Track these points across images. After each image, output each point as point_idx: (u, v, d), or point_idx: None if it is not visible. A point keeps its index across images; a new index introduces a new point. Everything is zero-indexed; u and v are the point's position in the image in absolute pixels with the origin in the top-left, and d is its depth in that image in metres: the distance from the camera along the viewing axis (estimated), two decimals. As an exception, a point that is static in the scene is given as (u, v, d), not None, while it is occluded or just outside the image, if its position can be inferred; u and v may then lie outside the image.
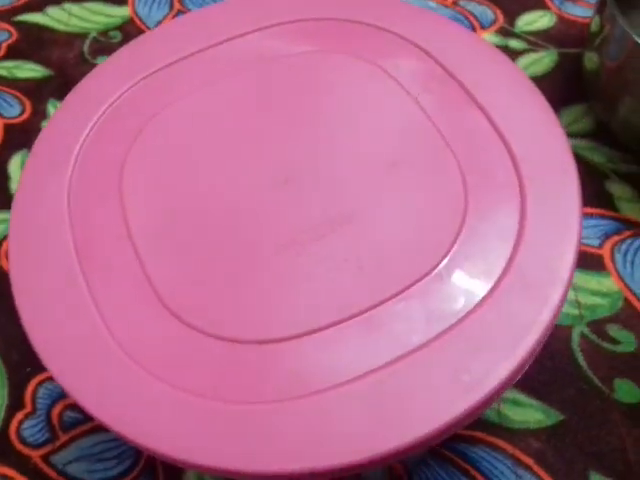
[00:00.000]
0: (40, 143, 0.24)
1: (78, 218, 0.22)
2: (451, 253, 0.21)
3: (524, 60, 0.40)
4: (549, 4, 0.43)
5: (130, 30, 0.44)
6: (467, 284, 0.20)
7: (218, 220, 0.22)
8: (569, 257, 0.20)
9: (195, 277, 0.21)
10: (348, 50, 0.25)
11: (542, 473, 0.26)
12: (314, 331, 0.19)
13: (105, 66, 0.26)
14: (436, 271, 0.20)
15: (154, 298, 0.20)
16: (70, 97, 0.26)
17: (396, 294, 0.20)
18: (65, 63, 0.43)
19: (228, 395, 0.19)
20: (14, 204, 0.23)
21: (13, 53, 0.43)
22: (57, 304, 0.21)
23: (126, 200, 0.22)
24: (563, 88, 0.38)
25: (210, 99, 0.25)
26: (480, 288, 0.20)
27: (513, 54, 0.40)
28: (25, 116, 0.40)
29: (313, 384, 0.18)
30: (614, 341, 0.28)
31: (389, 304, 0.20)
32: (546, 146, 0.22)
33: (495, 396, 0.18)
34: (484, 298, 0.20)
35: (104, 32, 0.44)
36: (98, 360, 0.20)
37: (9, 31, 0.44)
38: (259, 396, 0.18)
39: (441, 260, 0.20)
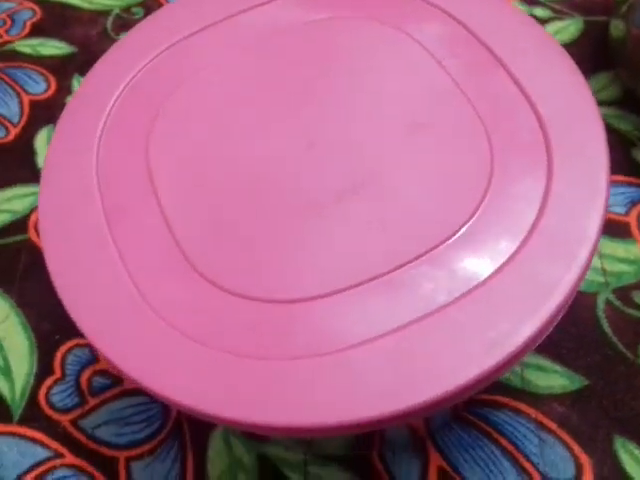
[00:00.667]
0: (66, 115, 0.25)
1: (107, 186, 0.23)
2: (476, 215, 0.21)
3: (550, 28, 0.39)
4: (574, -28, 0.42)
5: (152, 6, 0.44)
6: (492, 245, 0.20)
7: (244, 183, 0.22)
8: (596, 218, 0.20)
9: (222, 240, 0.21)
10: (371, 15, 0.25)
11: (566, 437, 0.26)
12: (340, 290, 0.20)
13: (127, 39, 0.27)
14: (461, 233, 0.20)
15: (183, 261, 0.21)
16: (94, 70, 0.26)
17: (421, 255, 0.20)
18: (89, 40, 0.43)
19: (258, 352, 0.19)
20: (43, 175, 0.23)
21: (37, 31, 0.44)
22: (89, 269, 0.21)
23: (153, 167, 0.23)
24: (589, 56, 0.38)
25: (233, 67, 0.25)
26: (506, 248, 0.20)
27: (539, 22, 0.39)
28: (50, 92, 0.40)
29: (341, 341, 0.19)
30: (639, 308, 0.28)
31: (414, 265, 0.20)
32: (574, 109, 0.22)
33: (521, 353, 0.18)
34: (510, 258, 0.20)
35: (126, 9, 0.44)
36: (129, 321, 0.20)
37: (33, 9, 0.45)
38: (288, 353, 0.19)
39: (466, 222, 0.20)
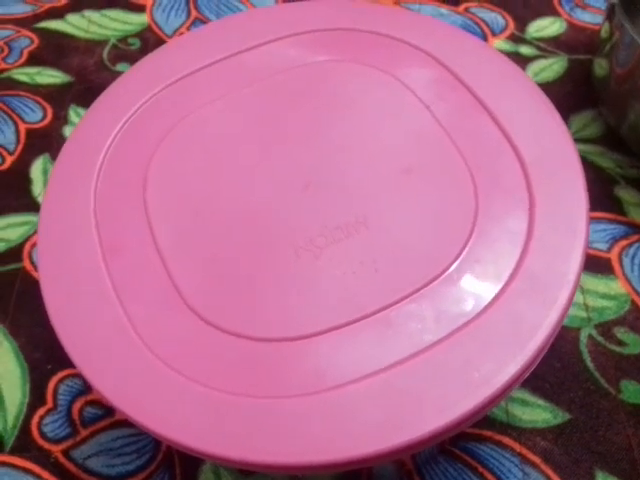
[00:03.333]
0: (67, 149, 0.25)
1: (104, 221, 0.23)
2: (462, 256, 0.21)
3: (534, 66, 0.40)
4: (560, 10, 0.43)
5: (148, 37, 0.45)
6: (477, 286, 0.21)
7: (239, 223, 0.23)
8: (576, 260, 0.21)
9: (217, 277, 0.22)
10: (363, 60, 0.26)
11: (549, 471, 0.26)
12: (331, 329, 0.20)
13: (129, 74, 0.27)
14: (447, 273, 0.21)
15: (177, 297, 0.21)
16: (96, 104, 0.27)
17: (409, 295, 0.21)
18: (85, 69, 0.44)
19: (249, 390, 0.19)
20: (43, 207, 0.24)
21: (34, 60, 0.44)
22: (84, 304, 0.22)
23: (150, 203, 0.23)
24: (573, 94, 0.39)
25: (230, 107, 0.26)
26: (490, 290, 0.20)
27: (524, 60, 0.41)
28: (46, 121, 0.41)
29: (331, 380, 0.19)
30: (621, 343, 0.29)
31: (403, 304, 0.20)
32: (554, 151, 0.23)
33: (504, 393, 0.19)
34: (493, 299, 0.20)
35: (123, 39, 0.45)
36: (122, 355, 0.20)
37: (30, 38, 0.46)
38: (278, 391, 0.19)
39: (452, 262, 0.21)
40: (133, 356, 0.20)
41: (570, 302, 0.20)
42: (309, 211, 0.22)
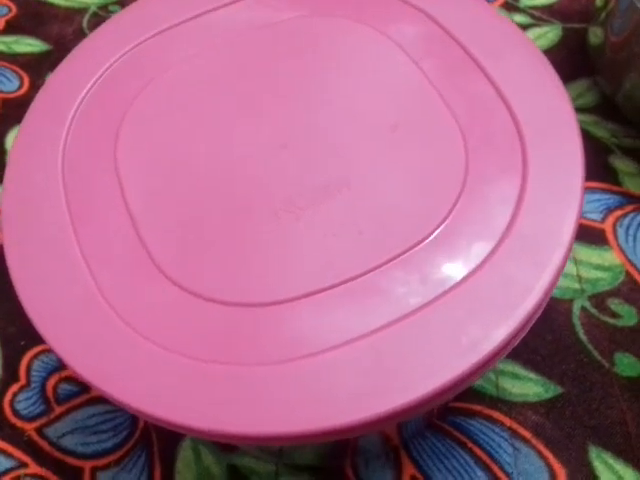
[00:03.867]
0: (33, 108, 0.24)
1: (73, 182, 0.22)
2: (450, 217, 0.20)
3: (528, 35, 0.39)
4: (554, -21, 0.42)
5: (129, 3, 0.43)
6: (466, 248, 0.20)
7: (214, 184, 0.21)
8: (570, 222, 0.20)
9: (191, 241, 0.20)
10: (348, 15, 0.25)
11: (540, 446, 0.25)
12: (311, 294, 0.19)
13: (95, 35, 0.26)
14: (435, 235, 0.20)
15: (149, 263, 0.20)
16: (61, 66, 0.25)
17: (394, 258, 0.20)
18: (64, 38, 0.42)
19: (225, 358, 0.18)
20: (6, 173, 0.22)
21: (12, 28, 0.43)
22: (52, 273, 0.20)
23: (121, 164, 0.22)
24: (567, 63, 0.38)
25: (207, 64, 0.24)
26: (479, 252, 0.19)
27: (517, 29, 0.39)
28: (23, 90, 0.40)
29: (311, 346, 0.18)
30: (615, 315, 0.28)
31: (387, 268, 0.19)
32: (550, 112, 0.22)
33: (493, 359, 0.18)
34: (482, 262, 0.19)
35: (104, 6, 0.43)
36: (92, 326, 0.19)
37: (8, 6, 0.44)
38: (257, 358, 0.18)
39: (440, 224, 0.20)
40: (103, 326, 0.19)
41: (563, 266, 0.19)
42: (288, 171, 0.21)
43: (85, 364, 0.19)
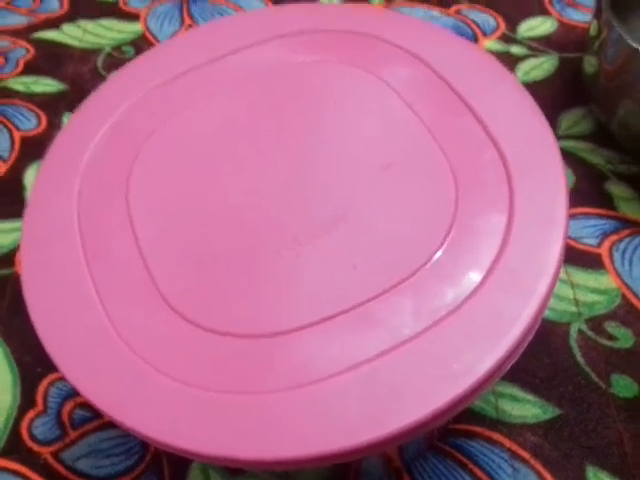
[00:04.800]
0: (52, 152, 0.25)
1: (87, 222, 0.23)
2: (441, 250, 0.21)
3: (525, 65, 0.40)
4: (550, 10, 0.43)
5: (142, 45, 0.45)
6: (456, 279, 0.20)
7: (222, 222, 0.23)
8: (555, 254, 0.21)
9: (199, 277, 0.22)
10: (348, 60, 0.26)
11: (539, 466, 0.26)
12: (312, 324, 0.20)
13: (114, 79, 0.27)
14: (426, 267, 0.21)
15: (159, 298, 0.21)
16: (80, 109, 0.27)
17: (388, 289, 0.21)
18: (80, 78, 0.44)
19: (232, 387, 0.19)
20: (26, 211, 0.24)
21: (30, 69, 0.45)
22: (66, 305, 0.22)
23: (132, 205, 0.23)
24: (563, 92, 0.39)
25: (215, 109, 0.26)
26: (469, 283, 0.20)
27: (515, 60, 0.41)
28: (41, 129, 0.41)
29: (312, 374, 0.19)
30: (611, 337, 0.29)
31: (382, 299, 0.20)
32: (536, 149, 0.23)
33: (485, 384, 0.19)
34: (472, 292, 0.20)
35: (117, 47, 0.45)
36: (104, 357, 0.20)
37: (26, 48, 0.46)
38: (261, 386, 0.19)
39: (432, 256, 0.21)
40: (115, 358, 0.20)
41: (549, 293, 0.20)
42: (289, 209, 0.23)
43: (96, 392, 0.20)
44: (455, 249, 0.21)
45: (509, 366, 0.20)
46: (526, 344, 0.20)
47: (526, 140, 0.23)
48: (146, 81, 0.27)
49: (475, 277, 0.20)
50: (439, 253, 0.21)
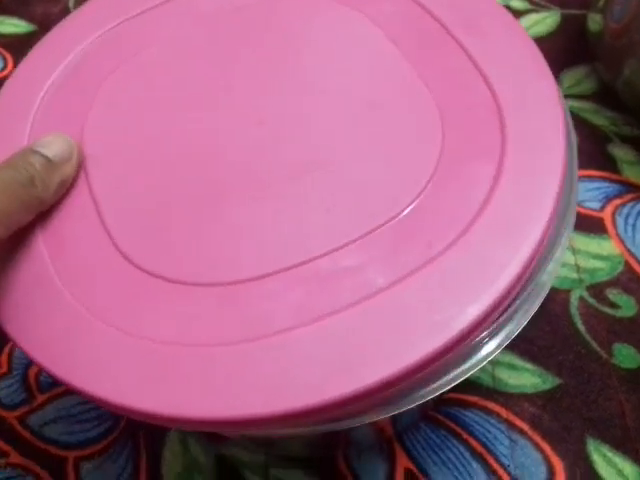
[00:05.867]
0: (7, 87, 0.24)
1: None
2: (423, 194, 0.19)
3: (526, 21, 0.38)
4: (552, -35, 0.41)
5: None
6: (439, 225, 0.19)
7: (185, 164, 0.21)
8: (549, 199, 0.19)
9: (156, 222, 0.20)
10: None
11: (537, 438, 0.25)
12: (275, 273, 0.18)
13: (74, 15, 0.25)
14: (405, 213, 0.19)
15: (109, 244, 0.19)
16: (33, 50, 0.25)
17: (364, 235, 0.19)
18: (49, 18, 0.41)
19: (188, 339, 0.17)
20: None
21: (-4, 8, 0.42)
22: (10, 251, 0.20)
23: (88, 151, 0.21)
24: (566, 49, 0.37)
25: (178, 46, 0.23)
26: (453, 229, 0.18)
27: (515, 14, 0.38)
28: (7, 71, 0.39)
29: (276, 324, 0.17)
30: (613, 305, 0.28)
31: (356, 245, 0.19)
32: (533, 95, 0.21)
33: (467, 337, 0.17)
34: (457, 238, 0.18)
35: (90, -13, 0.42)
36: (48, 309, 0.19)
37: (-8, -15, 0.43)
38: (216, 339, 0.17)
39: (412, 202, 0.19)
40: (58, 308, 0.18)
41: (543, 241, 0.18)
42: (263, 150, 0.21)
43: (37, 346, 0.18)
44: (439, 194, 0.19)
45: (493, 320, 0.18)
46: (513, 297, 0.19)
47: (523, 85, 0.21)
48: (103, 20, 0.25)
49: (459, 224, 0.19)
50: (420, 198, 0.19)
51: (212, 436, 0.25)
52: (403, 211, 0.19)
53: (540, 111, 0.21)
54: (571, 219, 0.21)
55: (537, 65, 0.22)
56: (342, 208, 0.19)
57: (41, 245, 0.20)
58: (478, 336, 0.18)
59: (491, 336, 0.19)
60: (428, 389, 0.19)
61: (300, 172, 0.20)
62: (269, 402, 0.16)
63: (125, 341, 0.18)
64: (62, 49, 0.24)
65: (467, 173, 0.19)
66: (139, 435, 0.26)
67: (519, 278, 0.18)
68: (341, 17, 0.24)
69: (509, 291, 0.18)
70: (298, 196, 0.20)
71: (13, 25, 0.41)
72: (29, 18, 0.41)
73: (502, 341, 0.19)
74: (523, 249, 0.18)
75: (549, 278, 0.20)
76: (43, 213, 0.20)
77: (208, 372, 0.17)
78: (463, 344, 0.17)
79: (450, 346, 0.17)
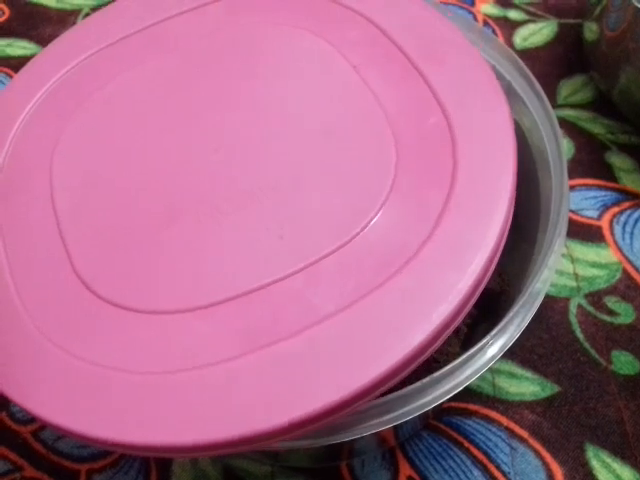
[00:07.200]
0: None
1: (6, 193, 0.22)
2: (374, 221, 0.20)
3: (523, 31, 0.39)
4: (549, -25, 0.42)
5: (122, 6, 0.43)
6: (389, 250, 0.19)
7: (143, 190, 0.21)
8: (496, 224, 0.19)
9: (112, 247, 0.20)
10: (293, 22, 0.24)
11: (537, 445, 0.25)
12: (226, 300, 0.18)
13: (53, 45, 0.26)
14: (357, 238, 0.19)
15: (68, 266, 0.20)
16: (18, 75, 0.25)
17: (315, 262, 0.19)
18: (57, 40, 0.42)
19: (130, 366, 0.18)
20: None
21: (5, 31, 0.43)
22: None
23: (55, 172, 0.22)
24: (563, 59, 0.37)
25: (151, 73, 0.24)
26: (403, 254, 0.19)
27: (512, 25, 0.39)
28: (17, 93, 0.39)
29: (224, 352, 0.18)
30: (612, 313, 0.28)
31: (306, 272, 0.19)
32: (485, 120, 0.21)
33: (415, 360, 0.18)
34: (405, 263, 0.19)
35: (97, 8, 0.43)
36: (7, 331, 0.19)
37: (1, 9, 0.44)
38: (164, 366, 0.18)
39: (364, 228, 0.20)
40: (19, 334, 0.19)
41: (488, 268, 0.18)
42: (217, 176, 0.21)
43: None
44: (388, 221, 0.20)
45: (437, 345, 0.18)
46: (460, 321, 0.19)
47: (476, 108, 0.21)
48: (84, 47, 0.26)
49: (408, 249, 0.19)
50: (370, 225, 0.20)
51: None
52: (354, 238, 0.19)
53: (492, 138, 0.21)
54: (563, 227, 0.21)
55: (492, 93, 0.22)
56: (294, 234, 0.19)
57: (5, 268, 0.20)
58: (426, 358, 0.18)
59: (486, 347, 0.20)
60: (428, 398, 0.19)
61: (253, 199, 0.20)
62: (212, 429, 0.16)
63: (75, 365, 0.18)
64: (42, 77, 0.25)
65: (418, 199, 0.20)
66: (149, 448, 0.26)
67: (468, 297, 0.18)
68: (304, 44, 0.24)
69: (454, 317, 0.18)
70: (251, 223, 0.20)
71: (22, 47, 0.42)
72: (37, 40, 0.42)
73: (497, 352, 0.20)
74: (468, 274, 0.18)
75: (543, 286, 0.20)
76: (10, 236, 0.21)
77: (149, 399, 0.17)
78: (407, 369, 0.18)
79: (398, 368, 0.17)
